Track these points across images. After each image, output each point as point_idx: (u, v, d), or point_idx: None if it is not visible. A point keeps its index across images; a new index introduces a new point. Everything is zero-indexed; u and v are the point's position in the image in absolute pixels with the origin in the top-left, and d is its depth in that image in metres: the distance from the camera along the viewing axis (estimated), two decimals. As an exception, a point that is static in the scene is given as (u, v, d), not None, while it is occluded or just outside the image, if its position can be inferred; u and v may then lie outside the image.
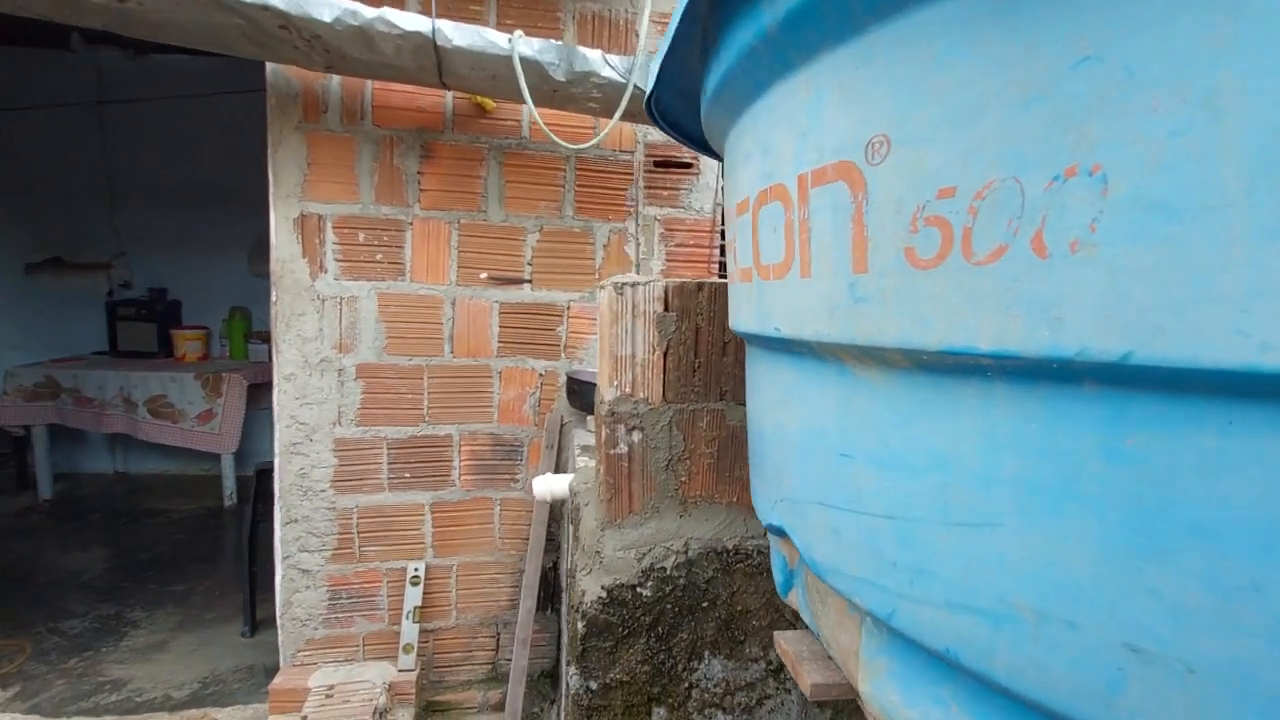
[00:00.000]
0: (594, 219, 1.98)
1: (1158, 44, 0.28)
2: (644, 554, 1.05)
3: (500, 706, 2.02)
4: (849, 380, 0.48)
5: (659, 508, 1.06)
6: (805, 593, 0.66)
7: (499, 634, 2.08)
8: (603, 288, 1.08)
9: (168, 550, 3.12)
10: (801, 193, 0.49)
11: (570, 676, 1.05)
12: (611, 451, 1.04)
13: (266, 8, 1.24)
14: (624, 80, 1.42)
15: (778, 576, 0.72)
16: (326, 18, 1.27)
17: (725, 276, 2.12)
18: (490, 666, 2.08)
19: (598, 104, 1.53)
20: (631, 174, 1.99)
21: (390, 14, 1.31)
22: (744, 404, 1.07)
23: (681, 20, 0.57)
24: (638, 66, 1.43)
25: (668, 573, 1.04)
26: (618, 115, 1.42)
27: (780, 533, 0.66)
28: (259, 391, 3.80)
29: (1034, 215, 0.33)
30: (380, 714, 1.76)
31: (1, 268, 4.16)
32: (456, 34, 1.34)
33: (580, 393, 1.80)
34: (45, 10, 1.32)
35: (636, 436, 1.05)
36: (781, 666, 1.09)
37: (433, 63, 1.38)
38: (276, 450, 1.87)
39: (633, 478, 1.05)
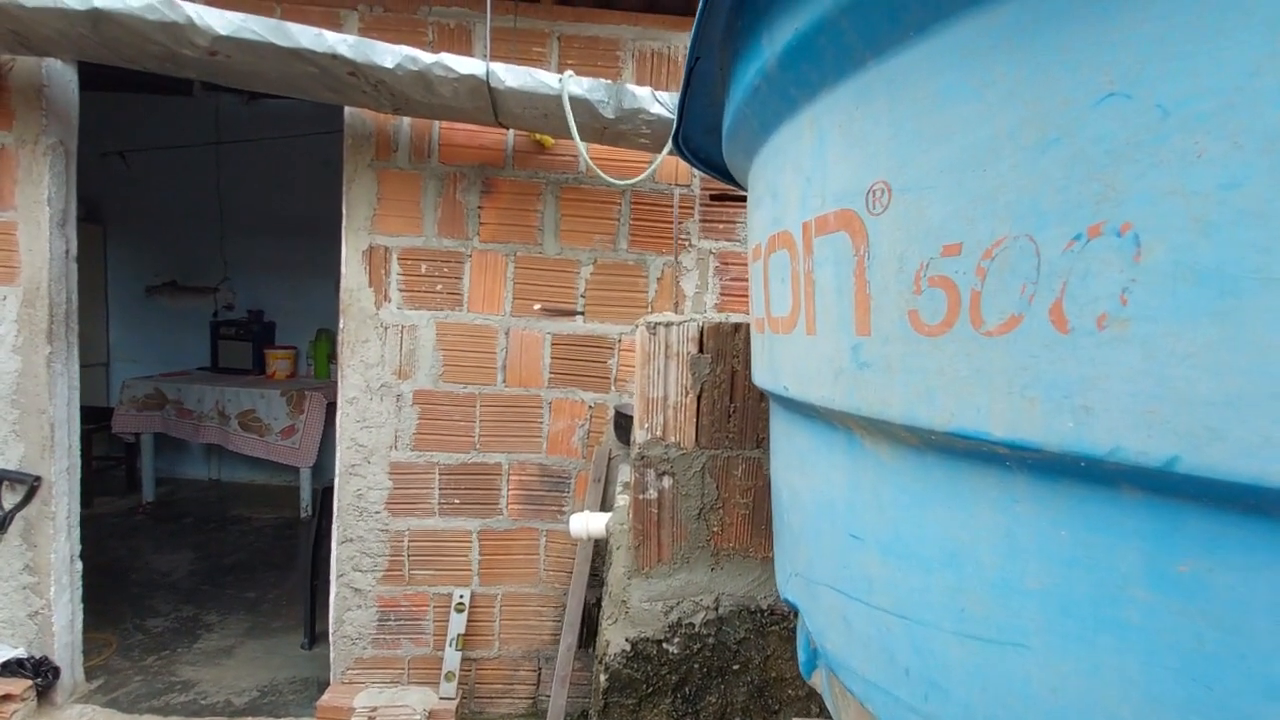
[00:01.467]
0: (648, 252, 1.97)
1: (1198, 76, 0.23)
2: (671, 607, 0.99)
3: (539, 744, 1.98)
4: (858, 452, 0.43)
5: (689, 558, 1.01)
6: (826, 680, 0.59)
7: (540, 668, 2.05)
8: (638, 325, 1.06)
9: (246, 557, 3.31)
10: (806, 241, 0.44)
11: (590, 732, 1.01)
12: (641, 496, 1.00)
13: (335, 56, 1.32)
14: (673, 116, 1.41)
15: (800, 655, 0.65)
16: (389, 64, 1.33)
17: (782, 311, 2.05)
18: (530, 701, 2.05)
19: (648, 139, 1.53)
20: (687, 208, 1.97)
21: (447, 59, 1.36)
22: (782, 452, 1.01)
23: (695, 56, 0.54)
24: (688, 101, 1.42)
25: (696, 629, 0.98)
26: (665, 151, 1.41)
27: (795, 609, 0.60)
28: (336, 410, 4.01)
29: (1052, 281, 0.28)
30: (418, 742, 1.76)
31: (126, 289, 4.64)
32: (509, 75, 1.38)
33: (627, 428, 1.76)
34: (154, 66, 1.46)
35: (667, 482, 1.00)
36: (819, 742, 1.00)
37: (488, 103, 1.42)
38: (337, 471, 1.95)
39: (662, 525, 1.00)
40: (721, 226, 1.98)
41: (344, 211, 1.91)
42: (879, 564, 0.41)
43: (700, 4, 0.47)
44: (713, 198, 1.98)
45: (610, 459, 1.98)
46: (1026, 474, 0.31)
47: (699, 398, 1.00)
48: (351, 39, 1.31)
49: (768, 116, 0.49)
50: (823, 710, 0.99)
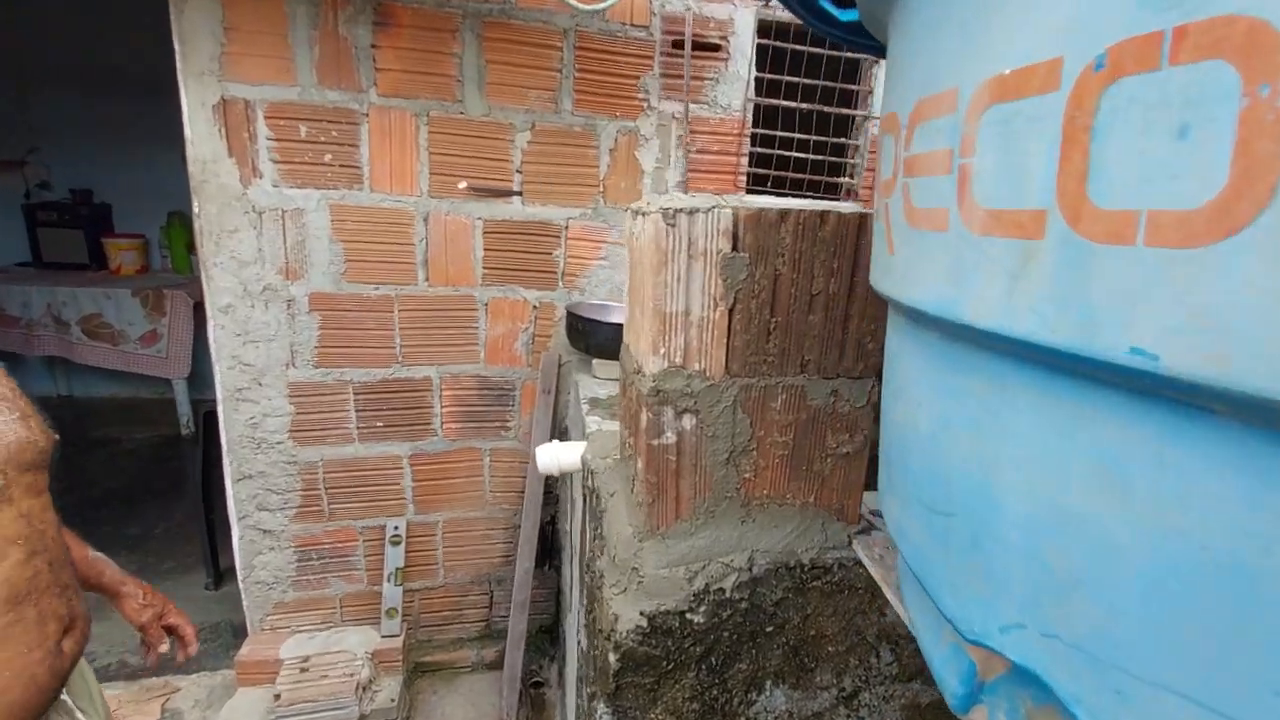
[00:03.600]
0: (598, 115, 1.60)
1: None
2: (695, 572, 0.80)
3: (495, 664, 1.87)
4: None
5: (715, 513, 0.81)
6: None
7: (492, 590, 1.89)
8: (641, 213, 0.76)
9: (121, 485, 2.85)
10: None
11: (600, 715, 0.84)
12: (655, 442, 0.77)
13: None
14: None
15: (953, 684, 0.47)
16: None
17: (753, 192, 1.77)
18: (484, 624, 1.91)
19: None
20: (644, 58, 1.59)
21: None
22: (831, 378, 0.79)
23: None
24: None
25: (726, 595, 0.80)
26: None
27: (993, 651, 0.40)
28: (210, 310, 3.41)
29: None
30: (363, 687, 1.58)
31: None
32: None
33: (585, 332, 1.50)
34: None
35: (689, 422, 0.77)
36: (855, 693, 0.89)
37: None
38: (219, 396, 1.57)
39: (682, 475, 0.79)
40: (692, 84, 1.62)
41: (176, 47, 1.37)
42: None
43: None
44: (676, 45, 1.60)
45: (560, 365, 1.72)
46: None
47: (731, 311, 0.75)
48: None
49: None
50: (878, 664, 0.87)
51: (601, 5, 1.33)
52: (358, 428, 1.67)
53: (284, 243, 1.51)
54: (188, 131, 1.41)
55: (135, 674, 1.76)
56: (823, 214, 0.74)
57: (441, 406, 1.70)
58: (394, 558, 1.74)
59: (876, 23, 0.54)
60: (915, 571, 0.49)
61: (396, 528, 1.74)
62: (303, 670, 1.58)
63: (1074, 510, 0.31)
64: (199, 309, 3.24)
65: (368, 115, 1.49)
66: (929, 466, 0.45)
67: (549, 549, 1.88)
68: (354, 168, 1.52)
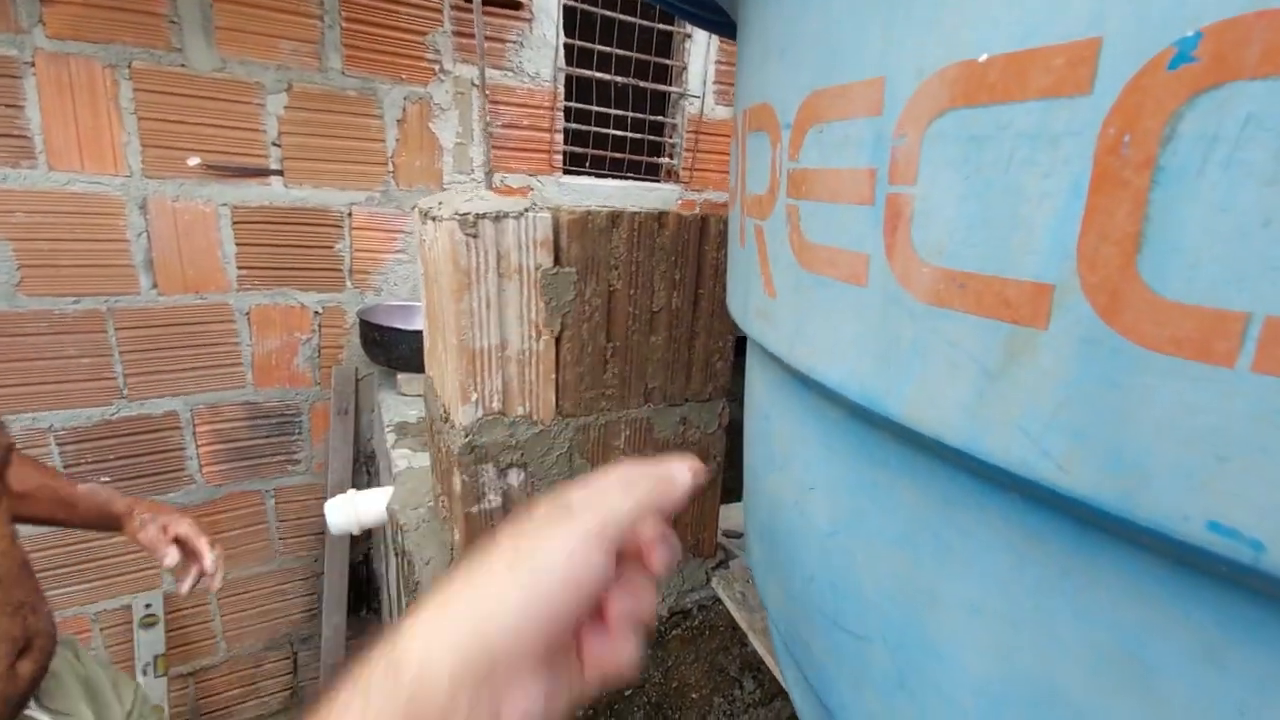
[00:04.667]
0: (378, 77, 1.32)
1: None
2: (539, 655, 0.66)
3: (309, 735, 1.58)
4: None
5: (556, 579, 0.67)
6: None
7: (296, 653, 1.58)
8: (433, 217, 0.58)
9: None
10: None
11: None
12: (474, 509, 0.60)
13: None
14: None
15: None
16: None
17: (570, 173, 1.62)
18: (289, 693, 1.60)
19: None
20: (434, 10, 1.34)
21: None
22: (678, 404, 0.69)
23: None
24: None
25: (577, 674, 0.68)
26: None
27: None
28: None
29: None
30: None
31: None
32: None
33: (385, 342, 1.25)
34: None
35: (516, 478, 0.62)
36: (721, 731, 0.82)
37: None
38: None
39: (512, 543, 0.63)
40: (488, 46, 1.41)
41: None
42: None
43: None
44: (468, -1, 1.37)
45: (359, 380, 1.45)
46: None
47: (559, 340, 0.60)
48: None
49: None
50: (741, 695, 0.80)
51: None
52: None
53: (-97, 244, 1.04)
54: None
55: None
56: (660, 215, 0.62)
57: (198, 446, 1.34)
58: (150, 643, 1.36)
59: (731, 11, 0.42)
60: (805, 673, 0.40)
61: (149, 605, 1.35)
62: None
63: (1060, 689, 0.22)
64: None
65: (33, 65, 1.07)
66: (828, 567, 0.35)
67: (364, 592, 1.62)
68: (19, 137, 1.08)
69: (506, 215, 0.55)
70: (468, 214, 0.54)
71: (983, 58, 0.19)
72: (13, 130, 1.08)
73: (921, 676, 0.29)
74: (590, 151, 1.59)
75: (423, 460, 1.01)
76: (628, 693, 0.72)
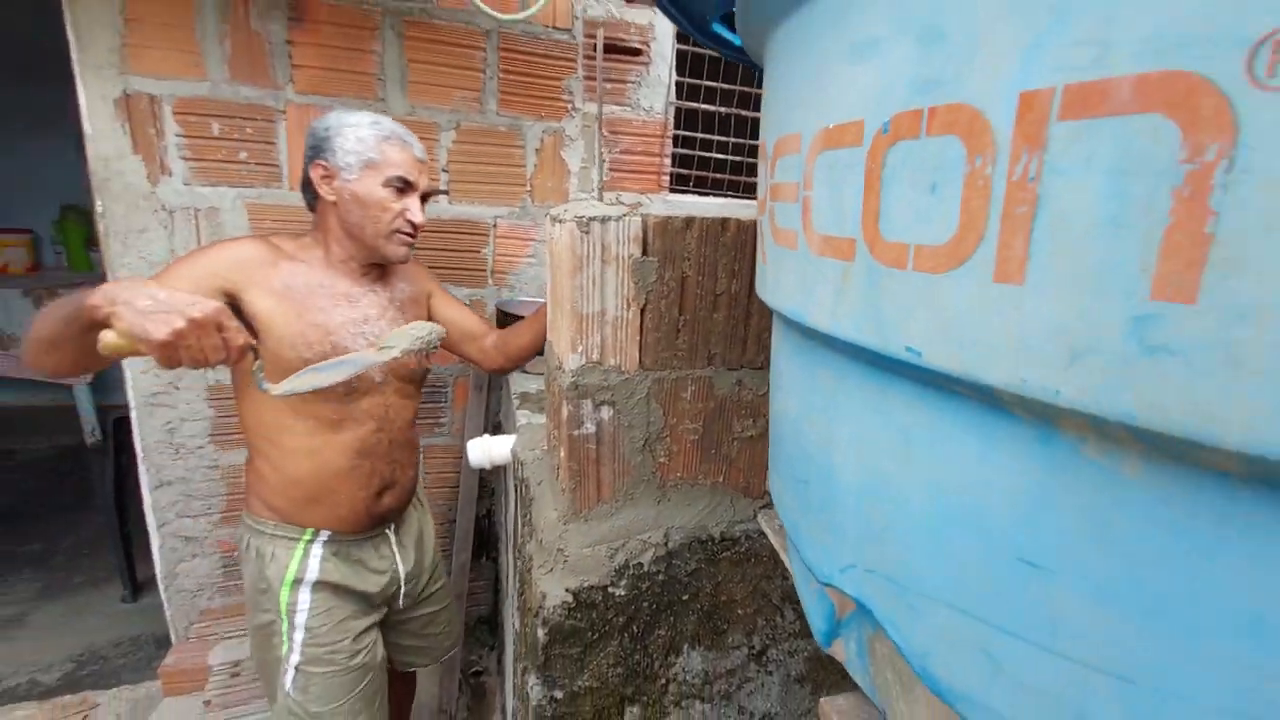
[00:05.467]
0: (523, 116, 1.63)
1: None
2: (616, 549, 0.87)
3: (435, 657, 1.89)
4: (1066, 460, 0.29)
5: (633, 494, 0.88)
6: (868, 660, 0.50)
7: (429, 585, 1.91)
8: (558, 220, 0.82)
9: (19, 500, 2.67)
10: (1029, 126, 0.26)
11: (531, 686, 0.90)
12: (575, 432, 0.83)
13: None
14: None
15: (818, 623, 0.56)
16: None
17: (677, 191, 1.85)
18: (421, 619, 1.92)
19: (531, -41, 1.16)
20: (569, 60, 1.63)
21: None
22: (735, 369, 0.88)
23: None
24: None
25: (645, 569, 0.88)
26: (561, -24, 1.07)
27: (838, 590, 0.49)
28: (113, 309, 3.21)
29: None
30: (298, 688, 1.58)
31: None
32: None
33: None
34: None
35: (607, 413, 0.84)
36: (764, 650, 0.99)
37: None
38: (132, 400, 1.52)
39: (602, 462, 0.85)
40: (611, 86, 1.68)
41: (71, 40, 1.31)
42: (1086, 609, 0.29)
43: None
44: (598, 48, 1.65)
45: (492, 362, 1.75)
46: None
47: (643, 311, 0.82)
48: None
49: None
50: (783, 623, 0.97)
51: (521, 15, 1.36)
52: (284, 429, 1.64)
53: (198, 242, 1.47)
54: (87, 127, 1.35)
55: (48, 692, 1.68)
56: (724, 221, 0.82)
57: (371, 405, 1.70)
58: (326, 558, 1.72)
59: (757, 59, 0.62)
60: (788, 530, 0.58)
61: (328, 528, 1.73)
62: (233, 675, 1.56)
63: (883, 473, 0.40)
64: (101, 309, 3.05)
65: (285, 113, 1.47)
66: (796, 443, 0.53)
67: (485, 541, 1.92)
68: (272, 165, 1.49)
69: (609, 219, 0.78)
70: (582, 217, 0.77)
71: (831, 125, 0.39)
72: (267, 160, 1.49)
73: (830, 493, 0.47)
74: (694, 173, 1.81)
75: (539, 419, 1.27)
76: (684, 597, 0.92)
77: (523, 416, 1.29)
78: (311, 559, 1.10)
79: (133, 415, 1.52)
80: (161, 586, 1.64)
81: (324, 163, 1.06)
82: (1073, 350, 0.26)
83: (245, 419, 1.10)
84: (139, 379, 1.50)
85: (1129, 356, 0.25)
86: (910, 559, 0.38)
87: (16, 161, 3.42)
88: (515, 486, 1.18)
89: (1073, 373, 0.26)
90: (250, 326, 1.02)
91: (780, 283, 0.49)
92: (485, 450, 1.18)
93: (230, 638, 1.70)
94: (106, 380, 3.35)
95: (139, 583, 2.06)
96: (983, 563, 0.34)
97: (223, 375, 1.55)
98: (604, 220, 0.78)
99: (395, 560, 1.22)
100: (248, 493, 1.14)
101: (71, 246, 3.36)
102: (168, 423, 1.54)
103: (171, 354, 0.74)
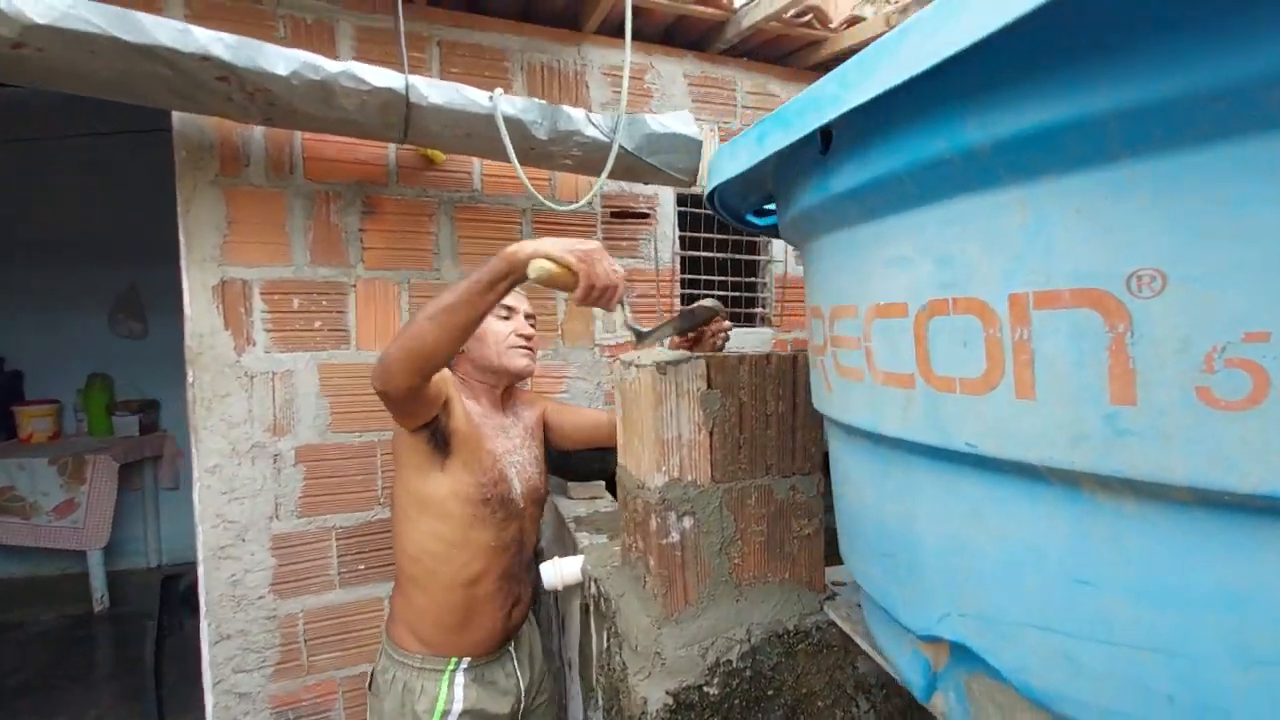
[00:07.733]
0: (555, 272, 1.89)
1: None
2: (707, 649, 0.97)
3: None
4: (1087, 506, 0.46)
5: (715, 595, 1.00)
6: (967, 704, 0.63)
7: None
8: (636, 365, 1.02)
9: (34, 675, 2.56)
10: (1017, 313, 0.46)
11: (634, 796, 0.95)
12: (664, 541, 0.97)
13: (207, 58, 1.07)
14: (607, 139, 1.37)
15: (916, 680, 0.68)
16: (282, 71, 1.11)
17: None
18: None
19: (573, 161, 1.47)
20: (588, 225, 1.94)
21: (357, 68, 1.17)
22: (788, 476, 1.04)
23: (800, 127, 0.54)
24: (622, 126, 1.38)
25: (733, 665, 0.98)
26: (604, 175, 1.36)
27: (935, 640, 0.63)
28: (128, 472, 3.28)
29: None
30: None
31: None
32: (432, 91, 1.23)
33: (556, 458, 1.69)
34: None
35: (688, 522, 0.98)
36: (843, 742, 1.06)
37: (400, 119, 1.25)
38: (200, 557, 1.60)
39: (686, 567, 0.98)
40: (625, 244, 1.98)
41: (182, 240, 1.56)
42: (1126, 606, 0.45)
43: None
44: (614, 215, 1.97)
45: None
46: (1329, 526, 0.36)
47: (711, 433, 0.99)
48: (231, 39, 1.06)
49: (936, 185, 0.50)
50: (857, 714, 1.05)
51: (574, 206, 1.65)
52: (339, 573, 1.72)
53: (273, 402, 1.64)
54: (187, 310, 1.56)
55: None
56: (767, 356, 1.03)
57: (423, 542, 1.79)
58: (377, 705, 1.72)
59: (798, 248, 0.85)
60: (878, 600, 0.72)
61: (379, 673, 1.74)
62: (287, 844, 1.51)
63: (960, 536, 0.56)
64: (125, 471, 3.12)
65: (355, 286, 1.71)
66: (877, 525, 0.69)
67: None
68: (341, 331, 1.70)
69: (680, 362, 0.98)
70: (661, 362, 0.97)
71: (882, 302, 0.59)
72: (338, 326, 1.70)
73: (916, 559, 0.62)
74: (702, 309, 2.07)
75: (600, 539, 1.39)
76: (769, 692, 1.01)
77: (584, 538, 1.40)
78: (456, 688, 1.19)
79: (199, 570, 1.60)
80: (211, 751, 1.61)
81: None
82: (1074, 436, 0.44)
83: (408, 550, 1.22)
84: (209, 534, 1.59)
85: (1108, 437, 0.43)
86: (994, 597, 0.53)
87: (47, 335, 3.62)
88: (588, 604, 1.27)
89: (1078, 450, 0.44)
90: (448, 442, 1.21)
91: (849, 404, 0.68)
92: (558, 570, 1.28)
93: (279, 803, 1.65)
94: (118, 545, 3.33)
95: (166, 757, 1.98)
96: (1049, 587, 0.49)
97: (287, 525, 1.66)
98: (676, 363, 0.97)
99: (517, 676, 1.32)
100: (393, 624, 1.23)
101: (93, 412, 3.48)
102: (232, 575, 1.61)
103: (589, 269, 1.06)
